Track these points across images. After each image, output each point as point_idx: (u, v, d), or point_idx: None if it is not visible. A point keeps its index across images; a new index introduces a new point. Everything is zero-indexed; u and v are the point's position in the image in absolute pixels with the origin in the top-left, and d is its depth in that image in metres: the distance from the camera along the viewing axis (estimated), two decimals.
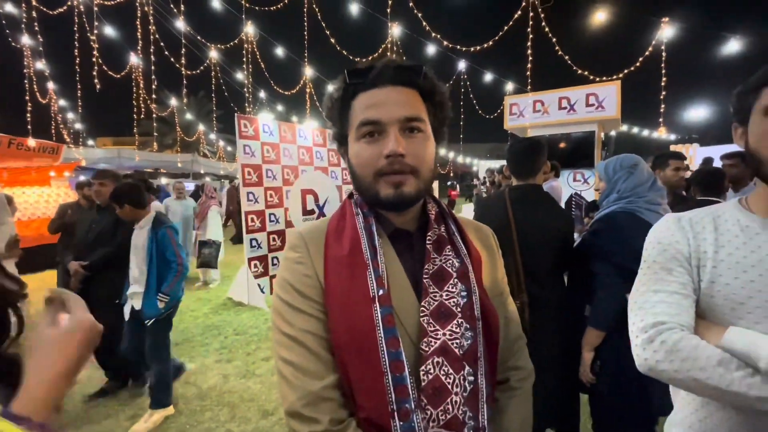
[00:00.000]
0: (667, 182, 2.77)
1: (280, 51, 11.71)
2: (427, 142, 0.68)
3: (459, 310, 0.65)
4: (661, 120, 7.72)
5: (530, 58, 6.94)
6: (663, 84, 6.91)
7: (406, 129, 0.66)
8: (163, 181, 18.28)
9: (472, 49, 8.88)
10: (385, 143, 0.64)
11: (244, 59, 12.13)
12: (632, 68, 6.45)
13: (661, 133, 9.68)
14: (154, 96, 14.89)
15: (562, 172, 5.19)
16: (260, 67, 12.56)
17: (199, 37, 12.38)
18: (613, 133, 8.15)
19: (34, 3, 10.67)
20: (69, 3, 11.19)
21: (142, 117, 15.79)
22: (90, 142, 17.97)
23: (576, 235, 2.98)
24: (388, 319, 0.61)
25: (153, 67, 13.43)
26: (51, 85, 12.86)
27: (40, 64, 12.00)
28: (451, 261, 0.69)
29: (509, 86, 9.60)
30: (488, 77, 10.14)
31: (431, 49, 9.44)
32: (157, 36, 12.27)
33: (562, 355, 1.61)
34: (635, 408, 1.43)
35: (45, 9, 10.85)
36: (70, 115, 14.28)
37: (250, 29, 11.73)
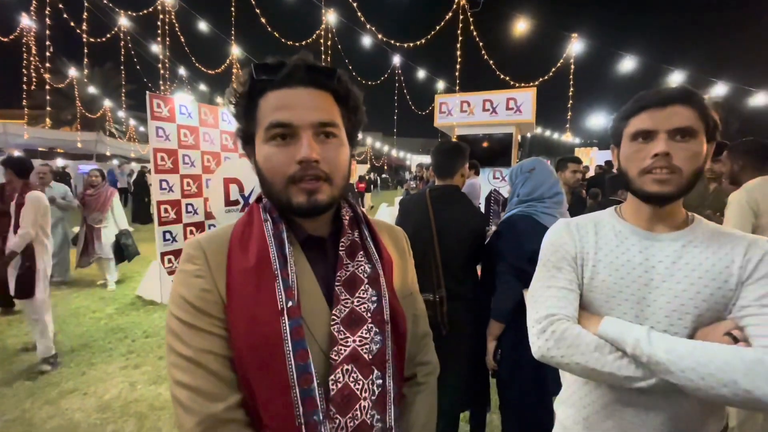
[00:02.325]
0: (566, 182, 3.16)
1: (203, 25, 10.75)
2: (342, 148, 0.67)
3: (369, 315, 0.66)
4: (567, 126, 8.63)
5: (459, 60, 7.27)
6: (570, 93, 7.73)
7: (320, 134, 0.64)
8: (60, 162, 15.86)
9: (406, 45, 9.03)
10: (298, 148, 0.61)
11: (160, 30, 10.92)
12: (546, 77, 7.13)
13: (568, 137, 10.84)
14: (48, 64, 12.77)
15: (483, 170, 5.55)
16: (179, 40, 11.41)
17: (105, 1, 10.85)
18: (528, 135, 8.90)
19: None
20: None
21: (33, 88, 13.44)
22: None
23: (494, 228, 3.24)
24: (297, 330, 0.59)
25: (48, 32, 11.47)
26: None
27: None
28: (363, 267, 0.69)
29: (440, 85, 9.96)
30: (421, 74, 10.41)
31: (366, 41, 9.40)
32: None
33: (474, 343, 1.73)
34: (533, 390, 1.60)
35: None
36: None
37: None
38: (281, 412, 0.58)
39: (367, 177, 16.08)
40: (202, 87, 15.77)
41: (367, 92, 0.73)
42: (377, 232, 0.78)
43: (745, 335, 0.73)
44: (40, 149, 14.76)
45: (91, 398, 2.63)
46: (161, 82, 12.23)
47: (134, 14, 11.25)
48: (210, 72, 12.04)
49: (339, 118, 0.67)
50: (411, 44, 8.89)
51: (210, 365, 0.59)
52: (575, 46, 7.10)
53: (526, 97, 5.54)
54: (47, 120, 17.03)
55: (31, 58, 12.37)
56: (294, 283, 0.63)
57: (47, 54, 12.26)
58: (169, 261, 4.43)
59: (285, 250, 0.65)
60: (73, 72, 15.71)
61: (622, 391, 0.84)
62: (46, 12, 10.61)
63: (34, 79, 12.90)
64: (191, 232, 4.65)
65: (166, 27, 10.99)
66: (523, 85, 6.21)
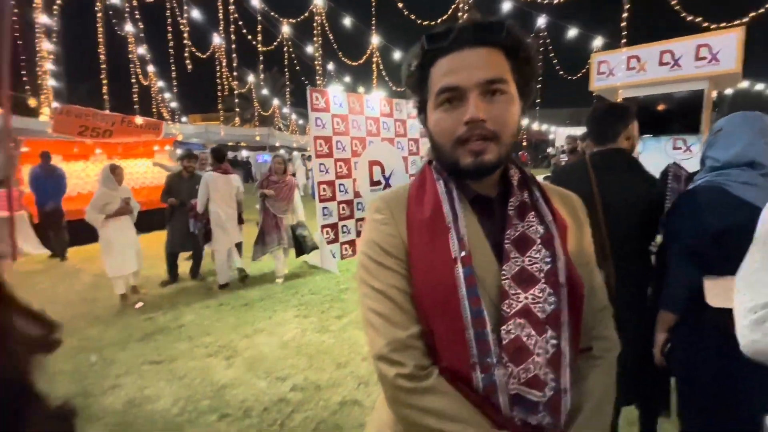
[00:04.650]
0: None
1: (347, 21, 11.70)
2: (511, 104, 0.65)
3: (542, 275, 0.64)
4: None
5: (626, 7, 6.04)
6: None
7: (488, 92, 0.64)
8: (244, 153, 19.83)
9: (554, 0, 8.00)
10: (465, 109, 0.63)
11: (314, 31, 12.37)
12: (759, 11, 5.30)
13: None
14: (235, 73, 15.98)
15: (659, 139, 4.62)
16: (329, 38, 12.73)
17: (272, 13, 12.83)
18: (729, 91, 6.92)
19: None
20: None
21: (225, 94, 17.10)
22: (183, 119, 20.00)
23: None
24: (470, 279, 0.62)
25: (233, 46, 14.29)
26: (151, 68, 14.40)
27: (142, 50, 13.47)
28: (534, 227, 0.68)
29: (597, 42, 8.55)
30: (572, 33, 9.11)
31: (506, 6, 8.71)
32: (236, 16, 12.97)
33: (645, 330, 1.50)
34: (717, 397, 1.26)
35: None
36: (167, 95, 15.98)
37: (318, 1, 11.85)
38: (457, 349, 0.61)
39: None
40: (347, 79, 17.30)
41: None
42: (549, 195, 0.74)
43: None
44: (230, 143, 18.79)
45: (275, 337, 3.30)
46: (317, 78, 13.93)
47: (293, 21, 13.00)
48: (353, 64, 13.08)
49: (508, 73, 0.65)
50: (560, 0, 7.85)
51: (395, 298, 0.66)
52: None
53: (728, 41, 4.28)
54: (236, 119, 21.40)
55: (223, 70, 15.61)
56: (465, 236, 0.66)
57: (233, 65, 15.29)
58: (327, 232, 5.11)
59: (456, 206, 0.68)
60: (251, 78, 19.22)
61: None
62: (231, 30, 13.17)
63: (225, 87, 16.32)
64: (343, 209, 5.25)
65: (318, 27, 12.37)
66: (723, 25, 4.81)
